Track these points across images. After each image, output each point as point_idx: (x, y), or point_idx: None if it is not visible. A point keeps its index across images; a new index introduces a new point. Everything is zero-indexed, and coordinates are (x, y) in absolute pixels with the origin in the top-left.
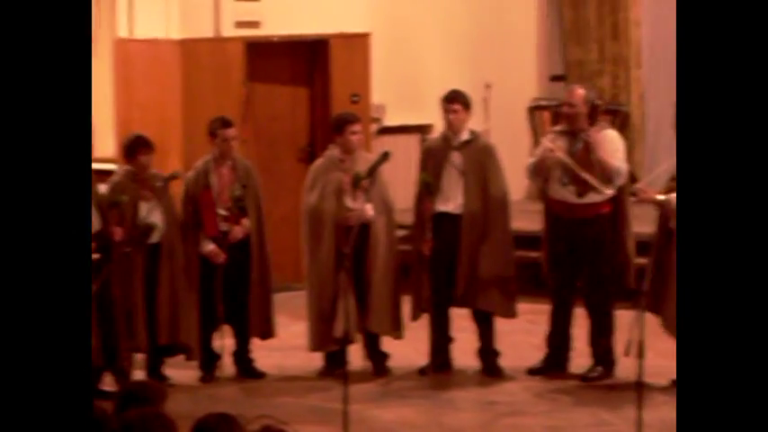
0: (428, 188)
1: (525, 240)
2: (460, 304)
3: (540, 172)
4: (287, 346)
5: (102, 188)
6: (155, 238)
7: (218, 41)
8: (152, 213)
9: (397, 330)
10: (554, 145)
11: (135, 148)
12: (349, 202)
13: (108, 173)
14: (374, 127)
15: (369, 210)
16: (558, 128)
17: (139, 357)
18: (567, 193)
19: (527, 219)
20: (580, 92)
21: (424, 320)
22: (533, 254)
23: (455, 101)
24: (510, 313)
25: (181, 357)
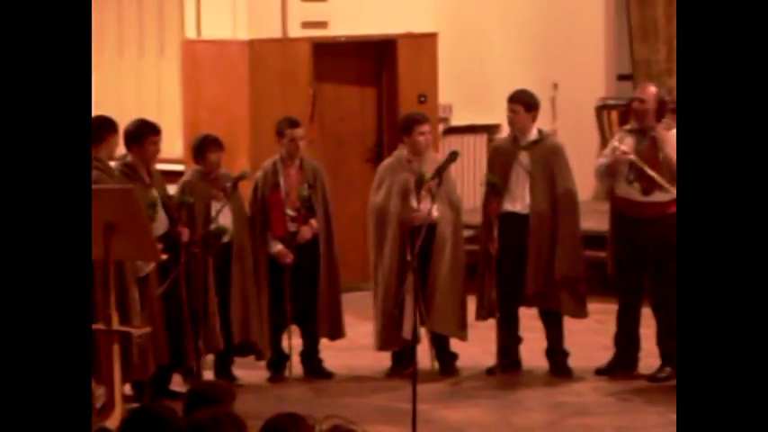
0: (494, 188)
1: (594, 240)
2: (530, 304)
3: (611, 173)
4: (355, 346)
5: (172, 189)
6: (225, 238)
7: (286, 42)
8: (222, 213)
9: (461, 331)
10: (625, 146)
11: (204, 146)
12: (414, 203)
13: (176, 174)
14: (441, 127)
15: (434, 211)
16: (627, 126)
17: (210, 358)
18: (632, 191)
19: (595, 218)
20: (652, 89)
21: (493, 320)
22: (602, 254)
23: (516, 101)
24: (580, 314)
25: (250, 357)
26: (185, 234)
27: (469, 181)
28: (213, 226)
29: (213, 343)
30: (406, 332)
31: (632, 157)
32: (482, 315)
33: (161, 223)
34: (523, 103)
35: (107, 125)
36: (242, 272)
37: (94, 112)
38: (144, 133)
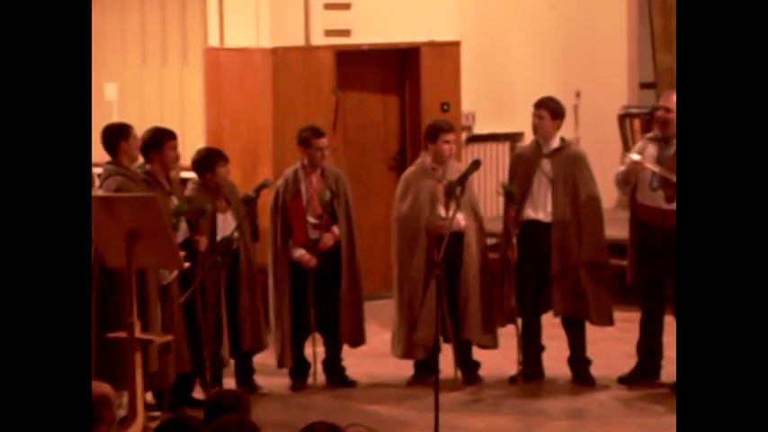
0: (510, 197)
1: (616, 248)
2: (555, 313)
3: (627, 182)
4: (377, 354)
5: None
6: (234, 245)
7: (309, 50)
8: (227, 224)
9: (491, 338)
10: (641, 156)
11: (213, 160)
12: (441, 211)
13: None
14: (464, 135)
15: (461, 219)
16: (649, 135)
17: (232, 366)
18: (656, 198)
19: (618, 227)
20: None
21: (516, 328)
22: (624, 262)
23: (542, 107)
24: (606, 321)
25: (272, 366)
26: (203, 243)
27: (492, 189)
28: (220, 237)
29: (222, 351)
30: (419, 338)
31: (649, 166)
32: (501, 322)
33: (181, 231)
34: (550, 109)
35: (117, 133)
36: (250, 277)
37: (117, 120)
38: (163, 139)
